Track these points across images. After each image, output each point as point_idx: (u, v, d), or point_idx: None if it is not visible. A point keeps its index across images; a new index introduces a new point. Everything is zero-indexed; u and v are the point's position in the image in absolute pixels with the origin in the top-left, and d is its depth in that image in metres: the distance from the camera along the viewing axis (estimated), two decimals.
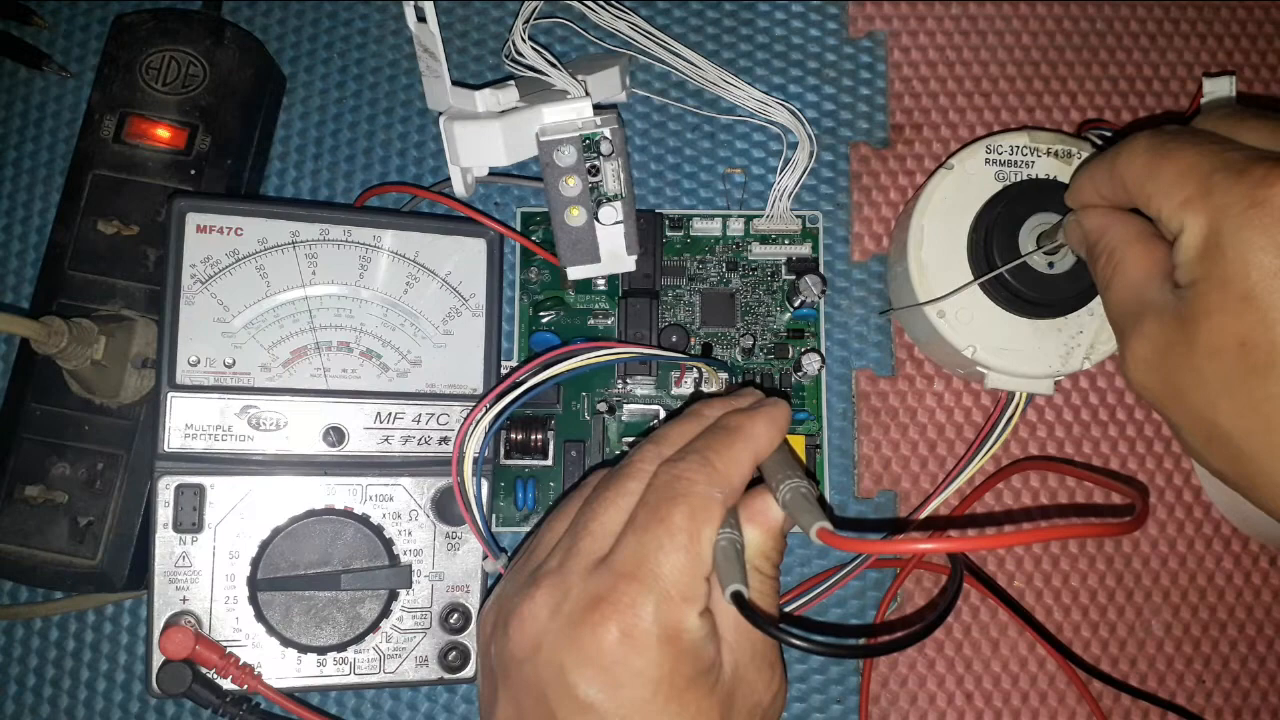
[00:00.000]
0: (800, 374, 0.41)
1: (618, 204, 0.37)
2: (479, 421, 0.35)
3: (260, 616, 0.35)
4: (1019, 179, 0.38)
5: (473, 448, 0.35)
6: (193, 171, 0.39)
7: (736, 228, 0.42)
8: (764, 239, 0.42)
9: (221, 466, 0.36)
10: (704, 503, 0.28)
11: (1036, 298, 0.36)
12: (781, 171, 0.42)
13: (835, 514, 0.41)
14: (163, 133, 0.39)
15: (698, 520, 0.28)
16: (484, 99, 0.38)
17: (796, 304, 0.41)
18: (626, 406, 0.41)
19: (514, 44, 0.38)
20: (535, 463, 0.40)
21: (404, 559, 0.37)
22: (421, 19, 0.35)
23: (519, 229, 0.42)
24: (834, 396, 0.42)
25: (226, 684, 0.35)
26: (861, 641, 0.40)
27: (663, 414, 0.41)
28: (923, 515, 0.39)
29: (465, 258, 0.39)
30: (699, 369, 0.40)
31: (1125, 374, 0.30)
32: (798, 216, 0.42)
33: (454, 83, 0.37)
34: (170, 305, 0.36)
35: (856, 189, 0.44)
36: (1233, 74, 0.38)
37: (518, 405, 0.35)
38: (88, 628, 0.40)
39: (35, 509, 0.36)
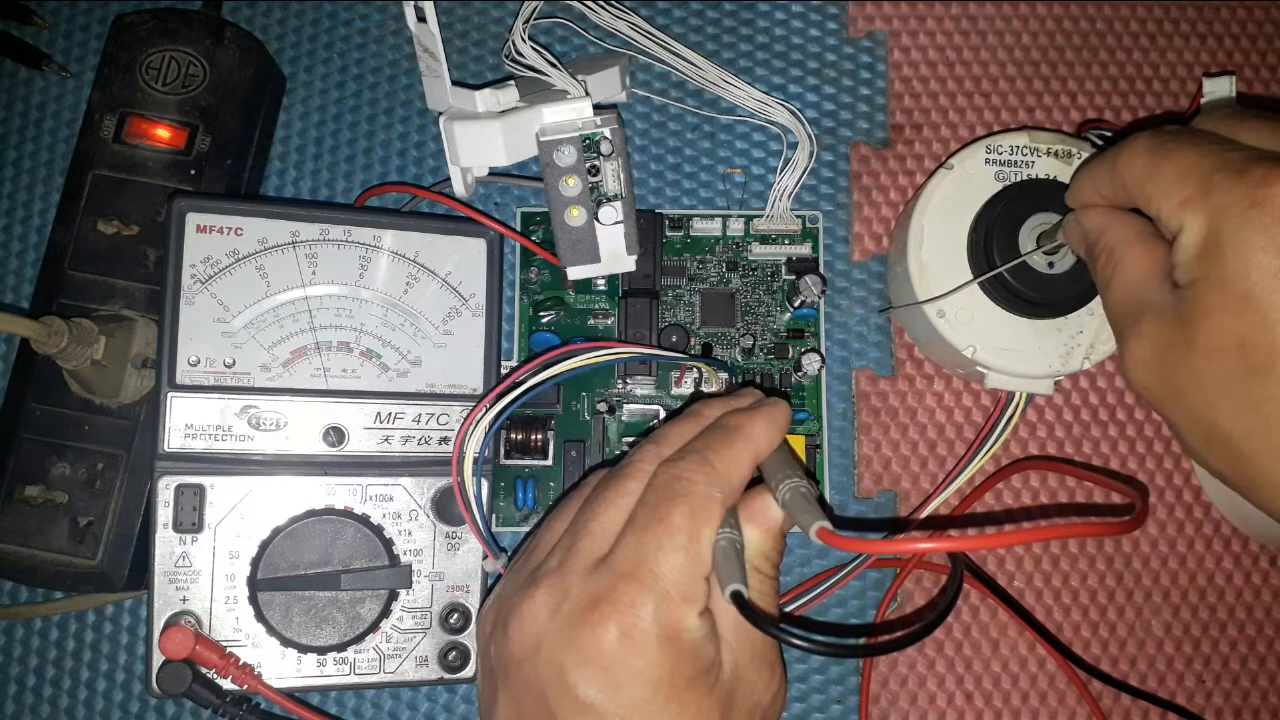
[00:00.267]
0: (800, 374, 0.41)
1: (618, 204, 0.37)
2: (479, 421, 0.35)
3: (260, 616, 0.35)
4: (1019, 179, 0.38)
5: (473, 448, 0.35)
6: (193, 171, 0.39)
7: (736, 228, 0.42)
8: (764, 239, 0.42)
9: (221, 466, 0.36)
10: (703, 503, 0.28)
11: (1036, 298, 0.36)
12: (781, 171, 0.42)
13: (835, 514, 0.41)
14: (163, 133, 0.39)
15: (697, 520, 0.28)
16: (484, 99, 0.38)
17: (796, 304, 0.41)
18: (626, 406, 0.41)
19: (514, 44, 0.38)
20: (535, 463, 0.40)
21: (404, 559, 0.37)
22: (421, 19, 0.35)
23: (519, 229, 0.42)
24: (834, 396, 0.42)
25: (226, 684, 0.35)
26: (861, 641, 0.40)
27: (663, 414, 0.41)
28: (923, 515, 0.39)
29: (465, 258, 0.39)
30: (699, 369, 0.40)
31: (1124, 374, 0.30)
32: (798, 216, 0.42)
33: (454, 83, 0.37)
34: (170, 305, 0.36)
35: (856, 189, 0.44)
36: (1233, 74, 0.38)
37: (518, 405, 0.36)
38: (88, 628, 0.40)
39: (35, 509, 0.36)
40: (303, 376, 0.37)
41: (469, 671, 0.37)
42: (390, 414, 0.37)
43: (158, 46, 0.39)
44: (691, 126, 0.44)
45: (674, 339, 0.40)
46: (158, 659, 0.34)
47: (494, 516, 0.40)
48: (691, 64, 0.43)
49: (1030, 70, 0.45)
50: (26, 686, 0.40)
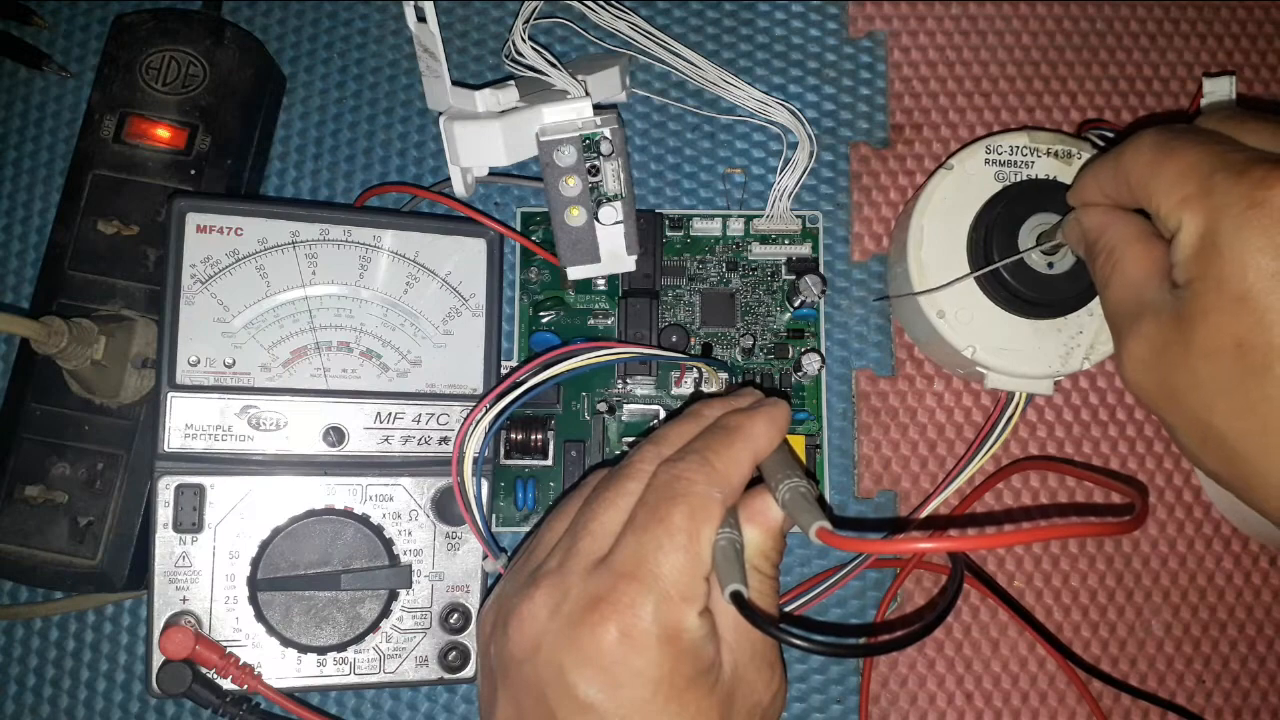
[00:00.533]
0: (800, 374, 0.41)
1: (618, 204, 0.37)
2: (479, 421, 0.35)
3: (260, 616, 0.35)
4: (1019, 179, 0.38)
5: (473, 448, 0.35)
6: (193, 171, 0.39)
7: (736, 228, 0.42)
8: (764, 239, 0.42)
9: (221, 466, 0.36)
10: (703, 503, 0.28)
11: (1036, 298, 0.36)
12: (781, 171, 0.42)
13: (835, 514, 0.41)
14: (163, 133, 0.39)
15: (697, 520, 0.28)
16: (484, 99, 0.38)
17: (796, 304, 0.41)
18: (626, 406, 0.41)
19: (514, 44, 0.38)
20: (535, 463, 0.40)
21: (404, 559, 0.37)
22: (421, 19, 0.35)
23: (519, 229, 0.42)
24: (834, 396, 0.42)
25: (226, 684, 0.35)
26: (861, 641, 0.40)
27: (663, 414, 0.41)
28: (923, 515, 0.40)
29: (465, 258, 0.39)
30: (699, 369, 0.40)
31: (1122, 374, 0.30)
32: (798, 216, 0.42)
33: (454, 83, 0.37)
34: (170, 305, 0.36)
35: (856, 189, 0.44)
36: (1233, 74, 0.38)
37: (518, 405, 0.36)
38: (88, 628, 0.40)
39: (35, 509, 0.36)
40: (303, 376, 0.37)
41: (469, 671, 0.37)
42: (390, 414, 0.37)
43: (158, 46, 0.39)
44: (691, 126, 0.44)
45: (674, 339, 0.40)
46: (158, 659, 0.34)
47: (494, 516, 0.40)
48: (691, 64, 0.43)
49: (1030, 70, 0.45)
50: (26, 686, 0.40)
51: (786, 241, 0.42)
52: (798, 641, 0.26)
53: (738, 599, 0.27)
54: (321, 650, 0.36)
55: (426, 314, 0.38)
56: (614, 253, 0.38)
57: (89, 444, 0.37)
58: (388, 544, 0.37)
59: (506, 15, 0.45)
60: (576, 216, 0.37)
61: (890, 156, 0.44)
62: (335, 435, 0.37)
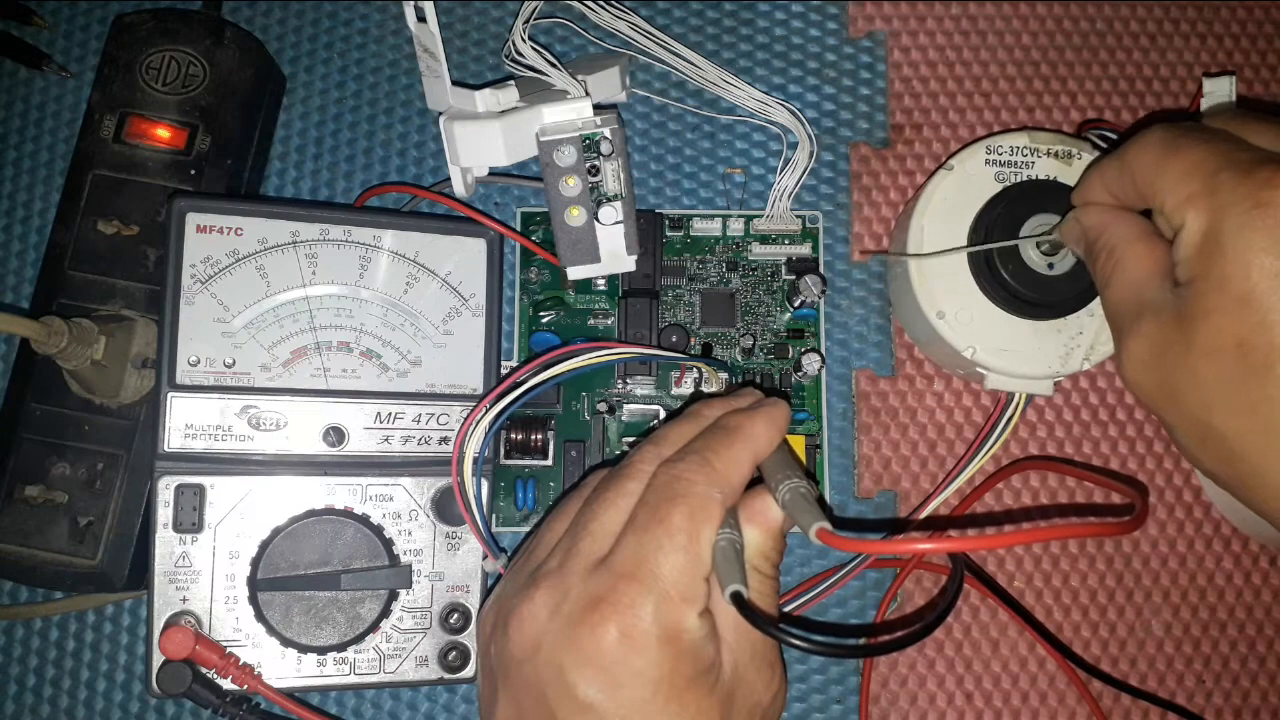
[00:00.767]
0: (800, 374, 0.41)
1: (618, 204, 0.37)
2: (479, 421, 0.35)
3: (260, 616, 0.35)
4: (1019, 179, 0.38)
5: (473, 448, 0.35)
6: (193, 171, 0.39)
7: (736, 228, 0.42)
8: (764, 239, 0.42)
9: (221, 466, 0.36)
10: (703, 503, 0.28)
11: (1036, 298, 0.36)
12: (781, 171, 0.42)
13: (835, 514, 0.41)
14: (163, 133, 0.39)
15: (697, 520, 0.28)
16: (484, 99, 0.38)
17: (796, 304, 0.41)
18: (626, 406, 0.41)
19: (514, 44, 0.38)
20: (535, 463, 0.40)
21: (404, 559, 0.37)
22: (421, 19, 0.35)
23: (519, 229, 0.42)
24: (834, 396, 0.42)
25: (226, 684, 0.35)
26: (861, 641, 0.40)
27: (663, 414, 0.41)
28: (923, 515, 0.39)
29: (465, 258, 0.39)
30: (699, 369, 0.40)
31: (1122, 373, 0.30)
32: (798, 216, 0.42)
33: (454, 83, 0.37)
34: (170, 305, 0.36)
35: (856, 189, 0.44)
36: (1233, 74, 0.38)
37: (518, 405, 0.36)
38: (88, 628, 0.40)
39: (35, 509, 0.36)
40: (303, 376, 0.37)
41: (469, 671, 0.37)
42: (390, 414, 0.37)
43: (158, 46, 0.39)
44: (691, 126, 0.44)
45: (674, 339, 0.40)
46: (158, 659, 0.34)
47: (494, 516, 0.40)
48: (691, 64, 0.43)
49: (1030, 70, 0.45)
50: (26, 686, 0.40)
51: (786, 241, 0.42)
52: (798, 642, 0.26)
53: (738, 599, 0.27)
54: (321, 650, 0.36)
55: (426, 314, 0.38)
56: (614, 253, 0.38)
57: (89, 444, 0.37)
58: (388, 544, 0.37)
59: (506, 15, 0.45)
60: (576, 216, 0.37)
61: (890, 156, 0.44)
62: (335, 435, 0.37)
